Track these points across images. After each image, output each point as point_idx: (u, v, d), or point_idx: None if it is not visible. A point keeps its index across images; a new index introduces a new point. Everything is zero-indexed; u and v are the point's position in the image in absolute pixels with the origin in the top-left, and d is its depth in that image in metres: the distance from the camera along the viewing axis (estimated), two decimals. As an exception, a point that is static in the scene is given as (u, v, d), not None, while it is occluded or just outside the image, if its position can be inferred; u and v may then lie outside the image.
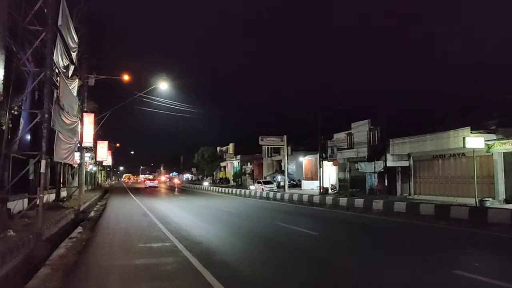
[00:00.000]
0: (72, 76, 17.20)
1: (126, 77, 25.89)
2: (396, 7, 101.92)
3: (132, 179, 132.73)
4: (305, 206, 23.75)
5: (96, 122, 29.18)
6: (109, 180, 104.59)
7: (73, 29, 15.16)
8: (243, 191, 38.52)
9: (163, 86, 27.69)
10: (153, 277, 7.02)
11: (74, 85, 17.98)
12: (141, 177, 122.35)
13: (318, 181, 34.65)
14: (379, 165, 29.02)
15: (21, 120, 12.30)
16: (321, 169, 33.83)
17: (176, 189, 59.48)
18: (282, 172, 44.07)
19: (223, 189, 46.09)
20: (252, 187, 38.13)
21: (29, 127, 11.57)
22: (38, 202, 10.31)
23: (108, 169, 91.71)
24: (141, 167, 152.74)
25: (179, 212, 20.42)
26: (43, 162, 10.19)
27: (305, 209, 21.84)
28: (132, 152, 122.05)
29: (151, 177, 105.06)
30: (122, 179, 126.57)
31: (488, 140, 20.09)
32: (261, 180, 43.70)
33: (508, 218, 12.90)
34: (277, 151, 49.90)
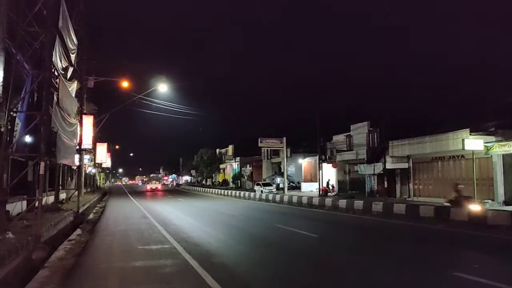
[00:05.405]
0: (71, 78, 17.21)
1: (125, 84, 25.90)
2: (397, 10, 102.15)
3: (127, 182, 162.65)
4: (304, 208, 23.72)
5: (95, 124, 29.20)
6: (108, 182, 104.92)
7: (73, 31, 15.18)
8: (242, 193, 38.47)
9: (163, 88, 27.74)
10: (152, 279, 7.00)
11: (73, 87, 17.99)
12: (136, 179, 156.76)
13: (317, 183, 34.62)
14: (378, 167, 28.99)
15: (17, 121, 12.28)
16: (321, 171, 33.81)
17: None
18: (282, 174, 43.99)
19: (222, 191, 46.04)
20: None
21: (27, 128, 11.56)
22: (37, 204, 10.29)
23: (107, 171, 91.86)
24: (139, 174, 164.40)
25: (178, 214, 20.38)
26: (42, 164, 10.17)
27: (305, 211, 21.81)
28: (132, 154, 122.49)
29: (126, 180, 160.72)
30: (116, 182, 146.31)
31: (487, 142, 20.06)
32: (260, 182, 43.60)
33: (508, 220, 12.90)
34: (276, 153, 49.83)
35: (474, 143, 19.42)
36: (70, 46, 14.89)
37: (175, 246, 10.08)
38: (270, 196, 31.18)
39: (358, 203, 20.21)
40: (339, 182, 36.57)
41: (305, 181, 44.68)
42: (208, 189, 54.84)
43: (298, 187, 44.73)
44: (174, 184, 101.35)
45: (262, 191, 36.94)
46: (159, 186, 62.82)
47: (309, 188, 40.47)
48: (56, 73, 13.88)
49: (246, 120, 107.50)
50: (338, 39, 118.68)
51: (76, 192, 20.85)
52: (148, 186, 61.24)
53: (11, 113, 10.99)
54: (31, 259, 8.42)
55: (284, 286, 6.81)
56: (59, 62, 13.35)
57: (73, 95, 17.99)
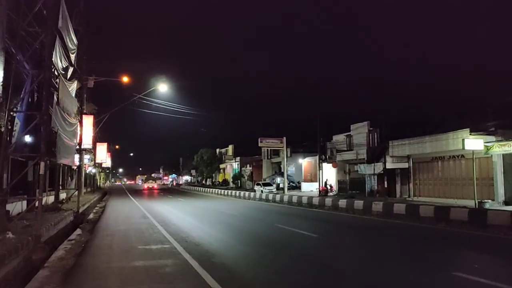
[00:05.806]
0: (71, 78, 17.20)
1: (125, 79, 25.95)
2: (397, 10, 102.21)
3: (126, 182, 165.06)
4: (304, 208, 23.72)
5: (95, 124, 29.20)
6: (108, 182, 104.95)
7: (72, 31, 15.17)
8: (242, 193, 38.48)
9: (163, 88, 27.76)
10: (152, 279, 6.99)
11: (73, 87, 17.98)
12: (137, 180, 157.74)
13: (317, 183, 34.64)
14: (378, 167, 28.99)
15: (16, 121, 12.28)
16: (321, 171, 33.81)
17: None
18: (282, 174, 44.00)
19: (223, 191, 46.04)
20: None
21: (28, 129, 11.55)
22: (37, 204, 10.28)
23: (107, 171, 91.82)
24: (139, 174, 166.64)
25: (179, 214, 20.38)
26: (42, 164, 10.16)
27: (305, 211, 21.81)
28: (132, 154, 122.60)
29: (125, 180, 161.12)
30: (116, 182, 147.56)
31: (487, 142, 20.04)
32: (260, 182, 43.60)
33: (508, 220, 12.88)
34: (276, 153, 49.85)
35: (474, 143, 19.39)
36: (70, 46, 14.88)
37: (175, 246, 10.08)
38: (270, 196, 31.19)
39: (358, 203, 20.21)
40: (339, 182, 36.57)
41: (305, 181, 44.68)
42: (208, 189, 54.86)
43: (298, 187, 44.73)
44: (174, 184, 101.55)
45: (262, 191, 36.94)
46: (155, 185, 78.06)
47: (309, 188, 40.47)
48: (56, 73, 13.87)
49: (246, 120, 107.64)
50: (338, 38, 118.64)
51: (76, 192, 20.85)
52: (145, 185, 76.81)
53: (11, 113, 10.99)
54: (31, 259, 8.43)
55: (284, 286, 6.81)
56: (59, 62, 13.35)
57: (73, 95, 17.98)
